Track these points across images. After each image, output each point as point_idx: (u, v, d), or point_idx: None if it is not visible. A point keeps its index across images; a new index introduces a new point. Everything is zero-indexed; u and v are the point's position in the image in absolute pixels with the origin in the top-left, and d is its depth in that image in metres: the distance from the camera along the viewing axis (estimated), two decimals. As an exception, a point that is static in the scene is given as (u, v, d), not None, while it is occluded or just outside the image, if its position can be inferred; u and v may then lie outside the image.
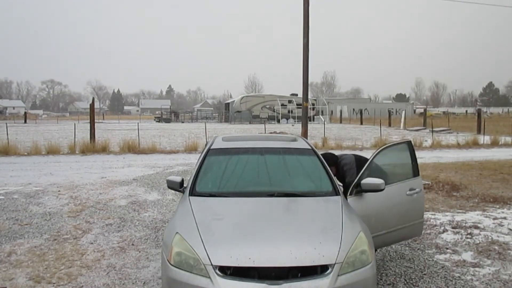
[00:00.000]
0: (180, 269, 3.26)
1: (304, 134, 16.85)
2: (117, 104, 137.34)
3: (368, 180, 4.40)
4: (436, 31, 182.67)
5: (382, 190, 4.39)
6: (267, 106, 54.83)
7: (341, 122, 51.09)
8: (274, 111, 54.25)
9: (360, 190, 4.43)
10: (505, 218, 7.08)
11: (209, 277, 3.12)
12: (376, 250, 4.47)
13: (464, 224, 6.69)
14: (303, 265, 3.14)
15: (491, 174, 11.37)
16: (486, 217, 7.15)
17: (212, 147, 4.96)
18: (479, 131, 26.32)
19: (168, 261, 3.36)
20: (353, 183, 4.53)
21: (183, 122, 57.27)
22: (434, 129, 26.93)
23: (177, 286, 3.24)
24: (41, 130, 33.46)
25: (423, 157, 15.93)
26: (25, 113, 64.65)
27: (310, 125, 24.31)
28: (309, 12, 16.47)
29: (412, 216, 4.86)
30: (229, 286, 3.08)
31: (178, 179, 4.53)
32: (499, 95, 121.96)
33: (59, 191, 9.34)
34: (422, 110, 60.25)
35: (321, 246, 3.27)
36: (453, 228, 6.53)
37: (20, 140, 19.99)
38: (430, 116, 48.87)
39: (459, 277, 4.73)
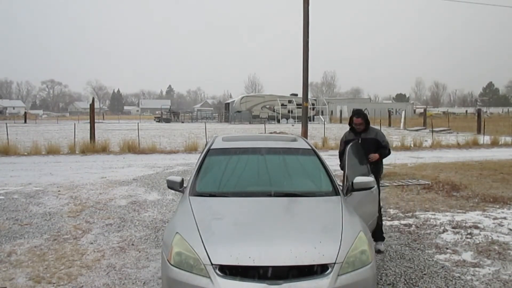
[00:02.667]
0: (180, 269, 3.26)
1: (304, 134, 16.86)
2: (117, 104, 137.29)
3: (360, 179, 4.39)
4: (436, 31, 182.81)
5: (371, 188, 4.46)
6: (267, 106, 54.82)
7: (341, 122, 51.04)
8: (274, 111, 54.23)
9: (351, 190, 4.40)
10: (505, 218, 7.08)
11: (209, 277, 3.12)
12: None
13: (464, 224, 6.69)
14: (303, 264, 3.14)
15: (491, 174, 11.37)
16: (486, 217, 7.15)
17: (212, 147, 4.97)
18: (479, 131, 26.32)
19: (168, 261, 3.36)
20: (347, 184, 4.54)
21: (183, 122, 57.25)
22: (434, 129, 26.92)
23: (177, 286, 3.24)
24: (41, 130, 33.47)
25: (423, 157, 15.94)
26: (25, 113, 64.69)
27: (310, 125, 24.30)
28: (309, 12, 16.48)
29: (373, 212, 4.95)
30: (229, 286, 3.08)
31: (178, 179, 4.53)
32: (499, 95, 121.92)
33: (59, 191, 9.34)
34: (422, 110, 60.25)
35: (321, 245, 3.27)
36: (453, 228, 6.53)
37: (20, 140, 19.99)
38: (430, 116, 48.84)
39: (459, 277, 4.73)
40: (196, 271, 3.19)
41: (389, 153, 5.83)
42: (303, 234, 3.44)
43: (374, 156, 5.57)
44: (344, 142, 5.67)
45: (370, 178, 4.53)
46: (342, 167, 5.36)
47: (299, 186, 4.47)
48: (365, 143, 5.56)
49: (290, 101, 54.52)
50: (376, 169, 5.60)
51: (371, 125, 5.82)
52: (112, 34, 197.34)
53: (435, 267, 5.00)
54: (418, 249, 5.65)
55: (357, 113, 5.65)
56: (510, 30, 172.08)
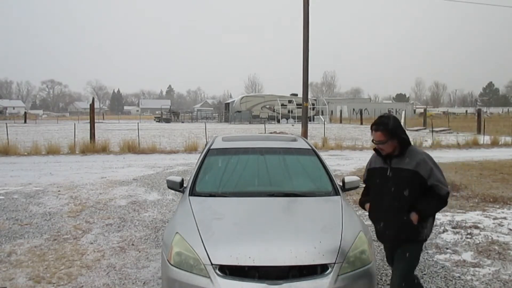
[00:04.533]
0: (180, 269, 3.26)
1: (304, 134, 16.88)
2: (117, 104, 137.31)
3: (350, 179, 4.54)
4: (436, 31, 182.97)
5: (357, 187, 4.53)
6: (267, 106, 54.81)
7: (341, 122, 51.06)
8: (274, 111, 54.23)
9: (343, 189, 4.49)
10: (505, 218, 7.08)
11: (209, 277, 3.12)
12: None
13: (464, 224, 6.69)
14: (303, 264, 3.13)
15: (491, 174, 11.37)
16: (486, 217, 7.15)
17: (212, 147, 4.97)
18: (479, 131, 26.33)
19: (168, 261, 3.36)
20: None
21: (183, 122, 57.22)
22: (434, 129, 26.90)
23: (177, 286, 3.24)
24: (41, 130, 33.46)
25: (423, 157, 15.89)
26: (25, 113, 64.65)
27: (310, 125, 24.31)
28: (309, 12, 16.50)
29: None
30: (229, 286, 3.08)
31: (178, 179, 4.54)
32: (499, 95, 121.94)
33: (59, 191, 9.34)
34: (422, 110, 60.33)
35: (321, 245, 3.27)
36: (453, 228, 6.53)
37: (20, 140, 19.97)
38: (430, 116, 48.87)
39: (459, 277, 4.73)
40: (196, 271, 3.19)
41: (442, 205, 3.57)
42: (303, 234, 3.44)
43: (413, 218, 3.35)
44: (367, 171, 3.72)
45: (358, 177, 4.55)
46: (361, 203, 3.81)
47: (299, 186, 4.47)
48: (397, 177, 3.32)
49: (290, 101, 54.52)
50: (414, 232, 3.44)
51: (412, 145, 3.43)
52: (112, 34, 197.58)
53: (435, 267, 5.00)
54: (418, 249, 5.64)
55: (376, 123, 3.43)
56: (510, 30, 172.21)
